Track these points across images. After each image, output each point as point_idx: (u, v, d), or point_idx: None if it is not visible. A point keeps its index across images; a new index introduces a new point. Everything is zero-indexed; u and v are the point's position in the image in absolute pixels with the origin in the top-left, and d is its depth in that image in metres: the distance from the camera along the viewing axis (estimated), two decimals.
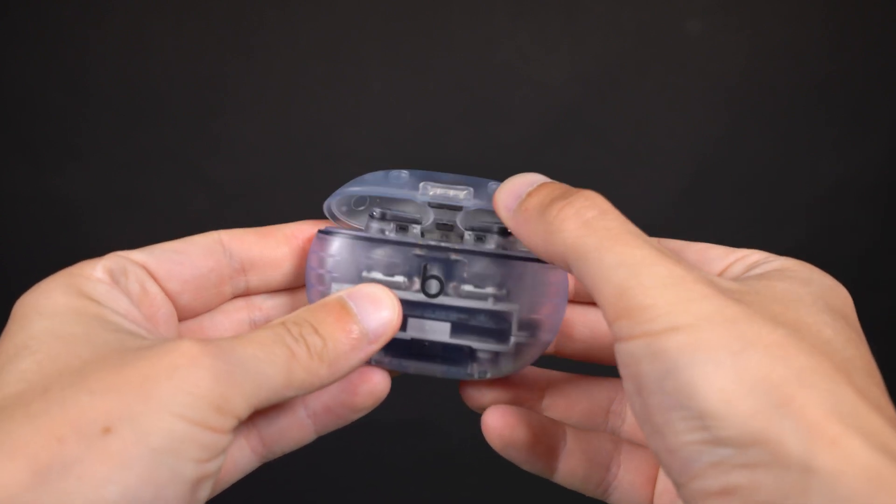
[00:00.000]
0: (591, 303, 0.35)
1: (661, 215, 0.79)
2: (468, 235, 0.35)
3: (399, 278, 0.34)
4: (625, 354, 0.25)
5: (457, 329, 0.34)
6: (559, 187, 0.29)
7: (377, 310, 0.30)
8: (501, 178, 0.32)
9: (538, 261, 0.34)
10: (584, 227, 0.27)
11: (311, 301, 0.34)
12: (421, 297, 0.34)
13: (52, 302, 0.27)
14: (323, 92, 0.78)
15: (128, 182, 0.78)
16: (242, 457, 0.32)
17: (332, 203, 0.35)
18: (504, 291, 0.34)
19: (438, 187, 0.34)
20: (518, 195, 0.30)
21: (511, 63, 0.77)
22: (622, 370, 0.26)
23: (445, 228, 0.35)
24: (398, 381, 0.34)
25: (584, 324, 0.35)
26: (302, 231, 0.34)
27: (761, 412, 0.22)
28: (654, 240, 0.27)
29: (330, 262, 0.34)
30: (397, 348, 0.34)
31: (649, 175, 0.79)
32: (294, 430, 0.32)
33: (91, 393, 0.24)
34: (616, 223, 0.27)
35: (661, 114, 0.79)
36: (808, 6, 0.77)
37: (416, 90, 0.78)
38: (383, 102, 0.78)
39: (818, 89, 0.78)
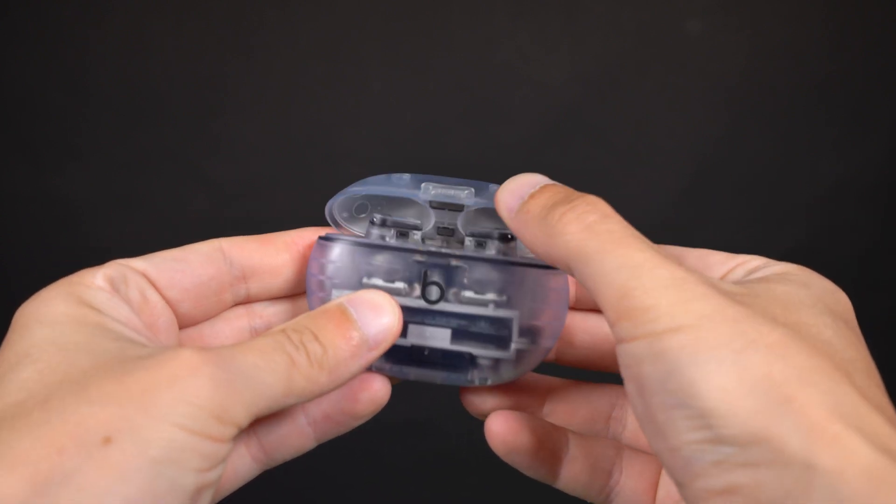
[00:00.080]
0: (592, 310, 0.35)
1: (661, 215, 0.79)
2: (469, 241, 0.35)
3: (399, 284, 0.34)
4: (627, 356, 0.25)
5: (457, 335, 0.34)
6: (562, 190, 0.29)
7: (378, 316, 0.30)
8: (502, 178, 0.32)
9: (539, 267, 0.34)
10: (586, 231, 0.27)
11: (311, 307, 0.34)
12: (421, 304, 0.34)
13: (52, 310, 0.27)
14: (323, 92, 0.78)
15: (128, 182, 0.78)
16: (243, 465, 0.32)
17: (334, 207, 0.35)
18: (504, 298, 0.34)
19: (440, 187, 0.34)
20: (520, 196, 0.30)
21: (511, 63, 0.77)
22: (624, 372, 0.26)
23: (446, 234, 0.35)
24: (398, 381, 0.34)
25: (584, 330, 0.35)
26: (302, 238, 0.34)
27: (762, 411, 0.22)
28: (656, 246, 0.27)
29: (330, 268, 0.34)
30: (398, 355, 0.34)
31: (649, 175, 0.79)
32: (294, 438, 0.32)
33: (91, 403, 0.24)
34: (618, 227, 0.27)
35: (661, 114, 0.78)
36: (808, 6, 0.77)
37: (416, 90, 0.78)
38: (383, 102, 0.78)
39: (818, 89, 0.78)
